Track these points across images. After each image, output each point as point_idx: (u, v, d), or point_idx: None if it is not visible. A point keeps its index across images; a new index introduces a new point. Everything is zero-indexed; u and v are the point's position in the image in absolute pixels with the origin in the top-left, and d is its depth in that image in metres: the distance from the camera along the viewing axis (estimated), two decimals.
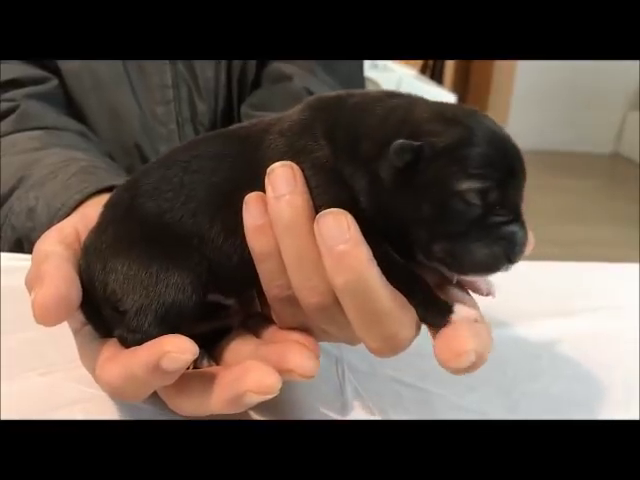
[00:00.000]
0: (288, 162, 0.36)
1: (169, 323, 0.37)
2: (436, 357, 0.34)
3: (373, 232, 0.35)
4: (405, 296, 0.36)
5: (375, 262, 0.34)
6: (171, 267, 0.37)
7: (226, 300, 0.41)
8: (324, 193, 0.36)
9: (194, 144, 0.42)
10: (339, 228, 0.34)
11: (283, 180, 0.36)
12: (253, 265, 0.38)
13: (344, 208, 0.35)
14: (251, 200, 0.37)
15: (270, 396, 0.34)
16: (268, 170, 0.36)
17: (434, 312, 0.36)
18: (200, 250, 0.38)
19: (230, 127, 0.43)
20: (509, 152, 0.35)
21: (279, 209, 0.36)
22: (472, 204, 0.34)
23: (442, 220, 0.34)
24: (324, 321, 0.39)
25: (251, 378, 0.34)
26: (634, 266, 0.67)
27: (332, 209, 0.35)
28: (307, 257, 0.36)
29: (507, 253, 0.34)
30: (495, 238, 0.34)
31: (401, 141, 0.33)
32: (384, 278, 0.35)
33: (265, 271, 0.38)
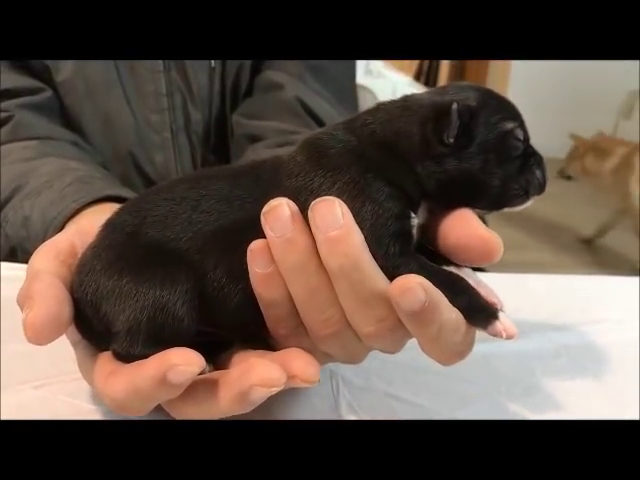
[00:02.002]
0: (284, 199, 0.36)
1: (161, 343, 0.36)
2: (390, 296, 0.35)
3: (410, 248, 0.38)
4: (450, 299, 0.36)
5: (367, 247, 0.36)
6: (161, 289, 0.37)
7: (221, 332, 0.41)
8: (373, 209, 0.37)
9: (202, 181, 0.41)
10: (333, 215, 0.35)
11: (282, 219, 0.36)
12: (255, 306, 0.38)
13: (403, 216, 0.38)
14: (256, 249, 0.36)
15: (276, 389, 0.34)
16: (264, 210, 0.36)
17: (480, 315, 0.37)
18: (199, 282, 0.38)
19: (237, 165, 0.43)
20: (507, 98, 0.41)
21: (283, 249, 0.36)
22: (519, 139, 0.40)
23: (507, 161, 0.39)
24: (334, 347, 0.39)
25: (256, 373, 0.34)
26: (633, 280, 0.67)
27: (325, 197, 0.35)
28: (319, 292, 0.36)
29: (544, 172, 0.41)
30: (538, 162, 0.41)
31: (455, 105, 0.37)
32: (375, 262, 0.36)
33: (273, 316, 0.38)
